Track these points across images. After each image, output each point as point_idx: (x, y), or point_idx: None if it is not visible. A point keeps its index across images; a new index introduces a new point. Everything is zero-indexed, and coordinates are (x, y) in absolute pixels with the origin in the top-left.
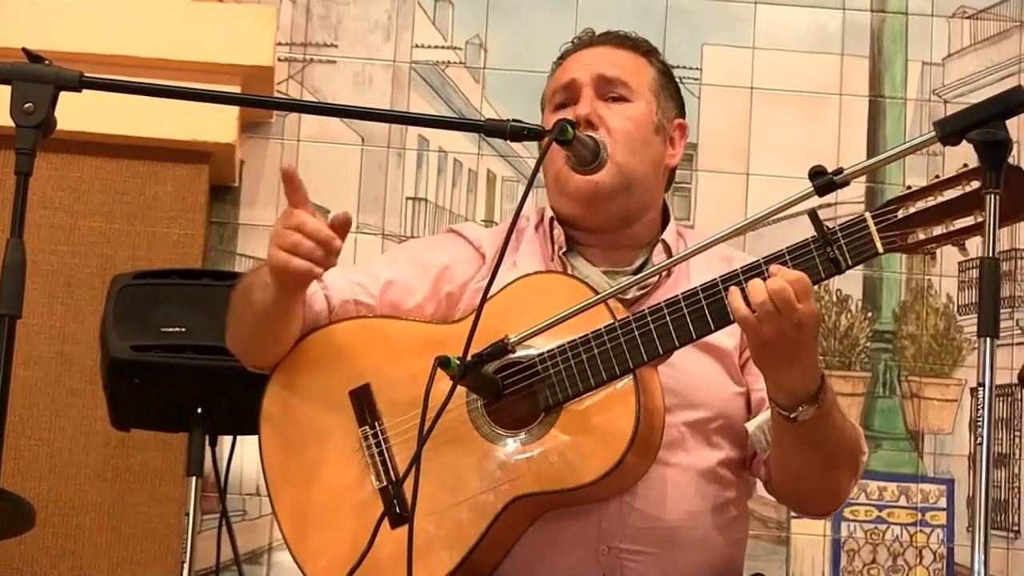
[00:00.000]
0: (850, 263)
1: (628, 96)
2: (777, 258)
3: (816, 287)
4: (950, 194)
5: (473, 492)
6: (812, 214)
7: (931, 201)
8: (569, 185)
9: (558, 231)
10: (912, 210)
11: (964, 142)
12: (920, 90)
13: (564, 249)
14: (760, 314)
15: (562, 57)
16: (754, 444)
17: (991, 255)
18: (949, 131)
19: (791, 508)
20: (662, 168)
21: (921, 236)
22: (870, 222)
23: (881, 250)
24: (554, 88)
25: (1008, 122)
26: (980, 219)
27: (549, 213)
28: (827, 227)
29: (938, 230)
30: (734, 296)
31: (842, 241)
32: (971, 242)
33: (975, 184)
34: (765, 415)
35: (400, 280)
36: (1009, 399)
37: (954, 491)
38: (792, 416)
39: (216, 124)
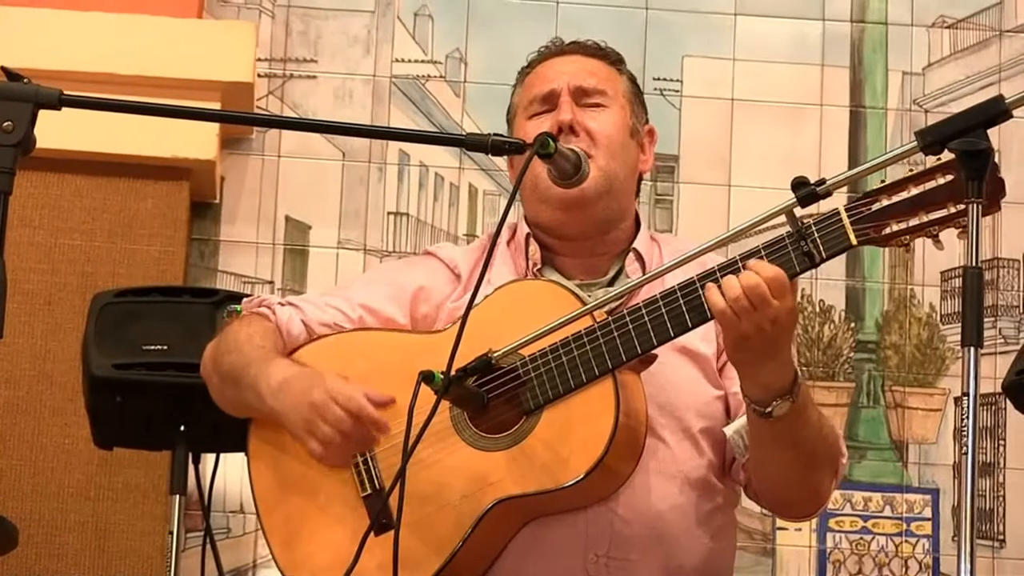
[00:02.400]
0: (824, 256)
1: (605, 103)
2: (753, 254)
3: (800, 298)
4: (924, 187)
5: (455, 497)
6: (789, 214)
7: (904, 194)
8: (551, 192)
9: (533, 247)
10: (886, 203)
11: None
12: (901, 100)
13: (539, 266)
14: (736, 309)
15: (530, 66)
16: (732, 448)
17: (974, 264)
18: (931, 141)
19: (772, 511)
20: (636, 173)
21: (895, 228)
22: (843, 215)
23: (854, 242)
24: (530, 98)
25: (989, 131)
26: (953, 210)
27: (524, 229)
28: (801, 221)
29: (911, 222)
30: (711, 291)
31: (816, 235)
32: (944, 234)
33: (949, 177)
34: (742, 419)
35: (376, 303)
36: (993, 408)
37: (939, 501)
38: (767, 411)
39: (196, 140)
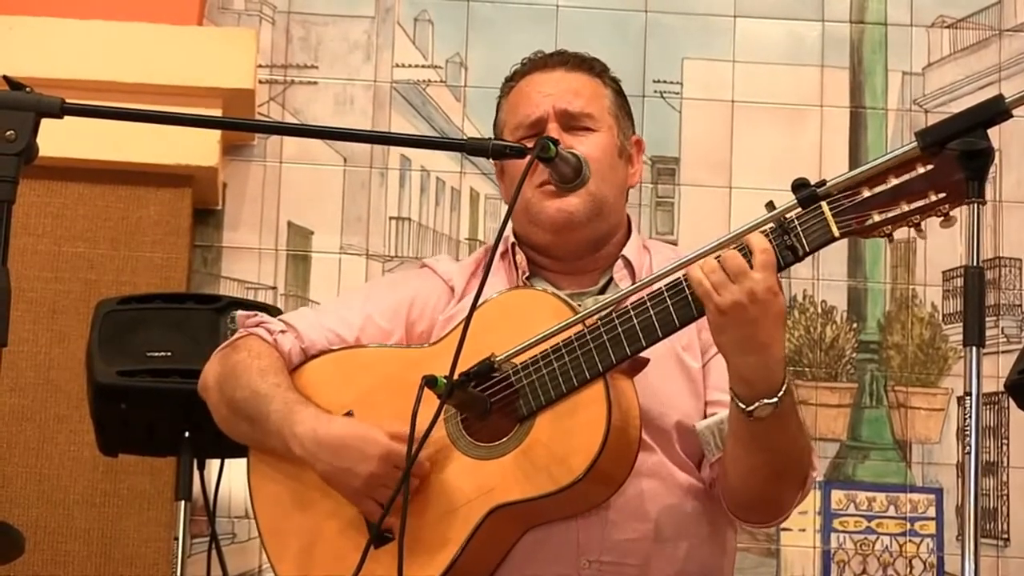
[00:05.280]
0: (808, 249)
1: (593, 126)
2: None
3: (802, 299)
4: (904, 177)
5: (451, 506)
6: (769, 205)
7: (885, 185)
8: (542, 214)
9: (520, 256)
10: (867, 194)
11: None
12: (901, 100)
13: (527, 274)
14: (713, 280)
15: (513, 79)
16: (702, 444)
17: (975, 264)
18: (931, 141)
19: (733, 513)
20: (626, 189)
21: (876, 218)
22: (825, 208)
23: (837, 234)
24: (516, 122)
25: (989, 130)
26: (934, 199)
27: (511, 239)
28: (784, 216)
29: (893, 212)
30: (691, 268)
31: (799, 228)
32: (927, 222)
33: (929, 167)
34: (716, 417)
35: (373, 320)
36: (996, 407)
37: (943, 500)
38: (749, 410)
39: (198, 147)
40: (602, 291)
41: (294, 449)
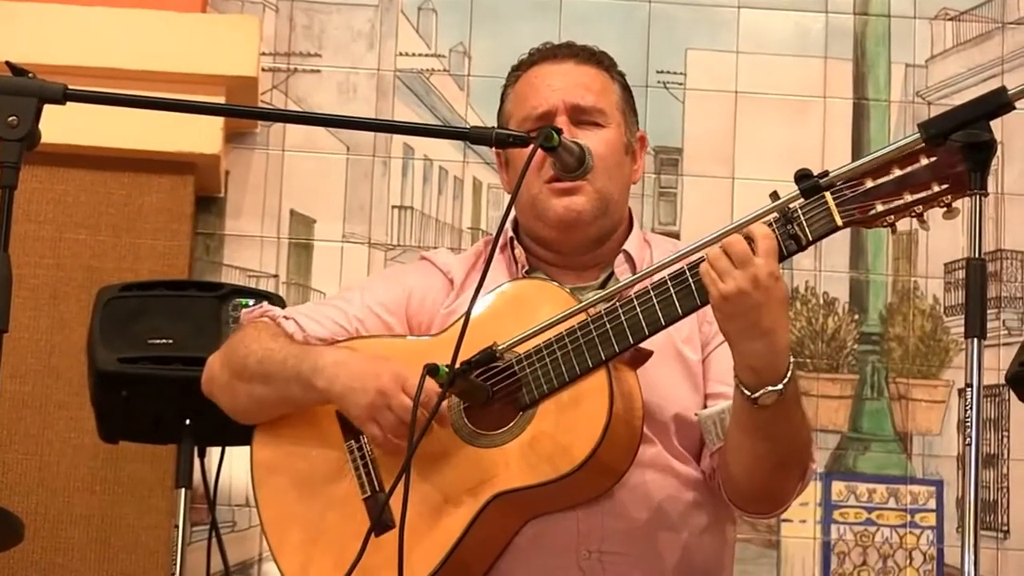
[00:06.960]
0: (811, 238)
1: (602, 122)
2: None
3: (804, 290)
4: (908, 168)
5: (452, 494)
6: (773, 195)
7: (889, 176)
8: (550, 211)
9: (519, 251)
10: (870, 184)
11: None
12: (904, 92)
13: (527, 268)
14: (717, 268)
15: (520, 67)
16: (703, 433)
17: (977, 256)
18: (934, 133)
19: (734, 503)
20: (629, 185)
21: (880, 208)
22: (828, 198)
23: (840, 223)
24: (523, 114)
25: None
26: (937, 190)
27: (508, 232)
28: (787, 206)
29: (896, 203)
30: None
31: (802, 218)
32: (930, 213)
33: (933, 158)
34: (718, 406)
35: (373, 312)
36: (997, 399)
37: (943, 492)
38: (754, 397)
39: (201, 135)
40: (603, 286)
41: (317, 383)
